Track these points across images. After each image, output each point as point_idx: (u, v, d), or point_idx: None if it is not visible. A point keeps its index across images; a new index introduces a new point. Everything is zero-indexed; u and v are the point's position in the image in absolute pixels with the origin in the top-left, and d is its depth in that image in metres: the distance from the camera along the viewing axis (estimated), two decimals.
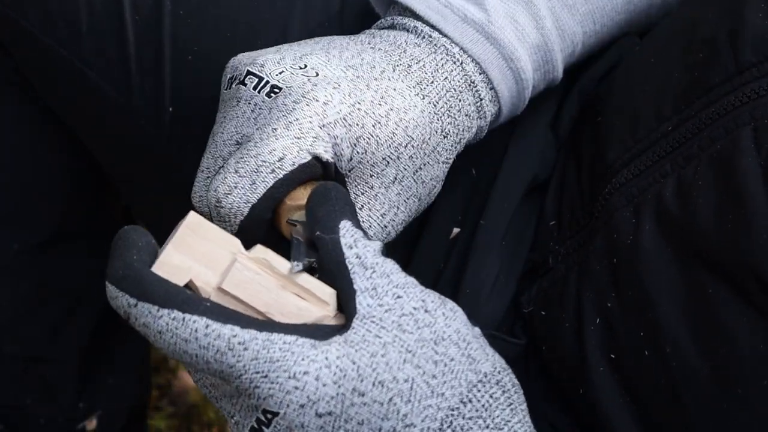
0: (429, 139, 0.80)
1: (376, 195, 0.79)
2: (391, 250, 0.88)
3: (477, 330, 0.73)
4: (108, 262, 0.69)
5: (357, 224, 0.72)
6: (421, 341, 0.69)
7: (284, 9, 0.93)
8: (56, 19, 0.93)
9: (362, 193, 0.79)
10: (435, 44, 0.83)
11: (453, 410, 0.68)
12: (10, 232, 1.10)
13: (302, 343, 0.67)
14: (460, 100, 0.82)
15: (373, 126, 0.78)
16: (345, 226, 0.71)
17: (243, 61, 0.81)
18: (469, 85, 0.83)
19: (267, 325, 0.68)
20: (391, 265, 0.72)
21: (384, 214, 0.80)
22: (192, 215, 0.71)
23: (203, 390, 0.72)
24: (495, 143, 0.91)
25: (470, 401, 0.69)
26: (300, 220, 0.75)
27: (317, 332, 0.69)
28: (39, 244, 1.12)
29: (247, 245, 0.72)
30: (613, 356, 0.80)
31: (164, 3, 0.91)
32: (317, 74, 0.79)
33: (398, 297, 0.71)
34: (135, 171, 1.02)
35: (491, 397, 0.70)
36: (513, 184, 0.90)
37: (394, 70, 0.81)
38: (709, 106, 0.78)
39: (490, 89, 0.83)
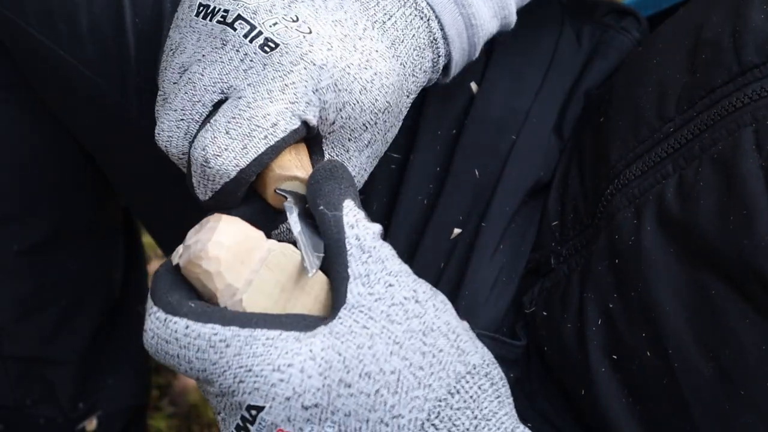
0: (399, 101, 0.80)
1: (350, 158, 0.79)
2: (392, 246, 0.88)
3: (465, 324, 0.73)
4: None
5: (359, 205, 0.72)
6: (410, 332, 0.70)
7: None
8: (56, 20, 0.93)
9: (337, 156, 0.79)
10: None
11: (440, 401, 0.69)
12: (10, 233, 1.10)
13: (286, 337, 0.68)
14: (422, 59, 0.82)
15: (360, 92, 0.77)
16: (348, 206, 0.71)
17: (232, 2, 0.77)
18: (431, 43, 0.82)
19: (250, 320, 0.68)
20: (387, 251, 0.72)
21: (353, 176, 0.79)
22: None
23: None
24: (499, 146, 0.91)
25: (458, 392, 0.70)
26: (290, 190, 0.76)
27: (301, 324, 0.69)
28: (39, 244, 1.12)
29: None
30: (615, 357, 0.80)
31: (164, 5, 0.91)
32: (310, 31, 0.77)
33: (390, 285, 0.71)
34: (134, 171, 1.02)
35: (479, 388, 0.70)
36: (516, 187, 0.90)
37: (373, 28, 0.79)
38: (712, 107, 0.78)
39: (445, 44, 0.83)
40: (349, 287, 0.70)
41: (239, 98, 0.75)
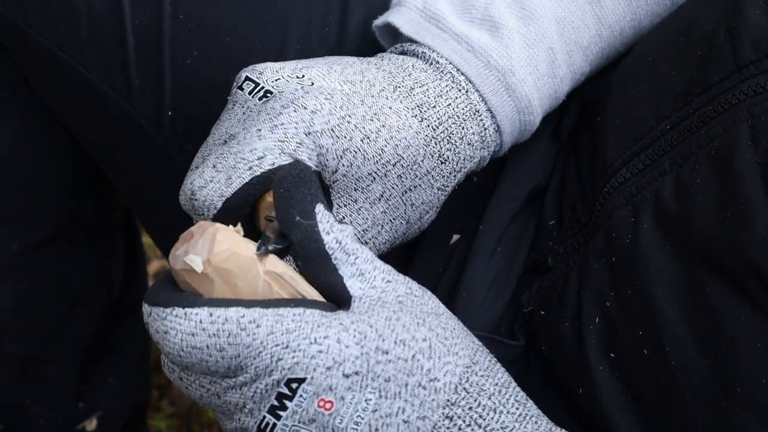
0: (422, 161, 0.80)
1: (359, 209, 0.79)
2: (390, 254, 0.89)
3: None
4: None
5: (328, 207, 0.72)
6: (425, 312, 0.72)
7: (284, 10, 0.93)
8: (56, 22, 0.93)
9: (345, 205, 0.79)
10: (441, 71, 0.83)
11: (468, 368, 0.72)
12: (10, 232, 1.11)
13: (311, 312, 0.69)
14: (463, 128, 0.82)
15: (361, 140, 0.78)
16: (320, 211, 0.71)
17: (247, 68, 0.81)
18: (474, 114, 0.83)
19: (270, 302, 0.68)
20: (368, 252, 0.73)
21: (366, 229, 0.80)
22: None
23: (197, 391, 0.72)
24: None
25: (477, 363, 0.73)
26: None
27: (321, 305, 0.70)
28: (39, 244, 1.12)
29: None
30: (612, 355, 0.80)
31: (164, 7, 0.91)
32: (312, 84, 0.79)
33: (388, 281, 0.73)
34: (134, 173, 1.02)
35: (491, 362, 0.74)
36: (513, 192, 0.91)
37: (394, 91, 0.81)
38: (708, 103, 0.78)
39: (493, 120, 0.84)
40: (348, 284, 0.71)
41: (232, 139, 0.77)
